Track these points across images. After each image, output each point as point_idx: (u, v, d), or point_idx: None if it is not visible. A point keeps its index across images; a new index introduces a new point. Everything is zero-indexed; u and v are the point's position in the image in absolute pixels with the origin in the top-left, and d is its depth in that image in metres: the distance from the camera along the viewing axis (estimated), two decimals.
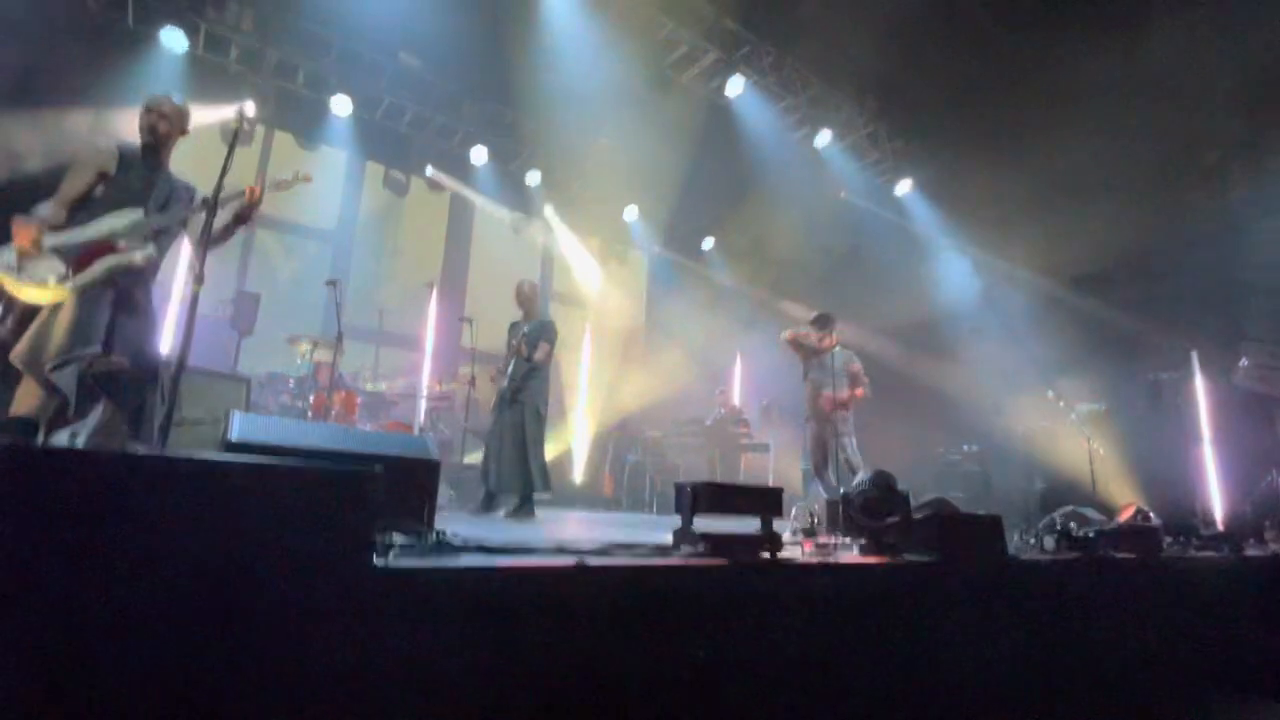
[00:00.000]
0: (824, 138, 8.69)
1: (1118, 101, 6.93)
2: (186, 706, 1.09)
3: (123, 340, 2.61)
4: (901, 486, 3.08)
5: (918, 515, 2.89)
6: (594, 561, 1.73)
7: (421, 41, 7.34)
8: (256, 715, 1.16)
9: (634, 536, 2.57)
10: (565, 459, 8.89)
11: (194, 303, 2.13)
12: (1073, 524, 3.78)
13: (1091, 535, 3.51)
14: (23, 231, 2.51)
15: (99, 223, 2.66)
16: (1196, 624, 3.45)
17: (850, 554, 2.65)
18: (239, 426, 1.81)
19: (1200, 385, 7.44)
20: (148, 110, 2.84)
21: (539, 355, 5.04)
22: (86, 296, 2.55)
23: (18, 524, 1.02)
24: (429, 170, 9.11)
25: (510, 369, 5.07)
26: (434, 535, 1.74)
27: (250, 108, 7.15)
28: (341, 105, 7.94)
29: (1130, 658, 3.06)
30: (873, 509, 2.87)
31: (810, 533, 3.02)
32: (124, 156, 2.79)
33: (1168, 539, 4.12)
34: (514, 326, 5.32)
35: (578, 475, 8.94)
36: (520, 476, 4.85)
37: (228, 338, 6.39)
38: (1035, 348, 7.80)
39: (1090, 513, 4.15)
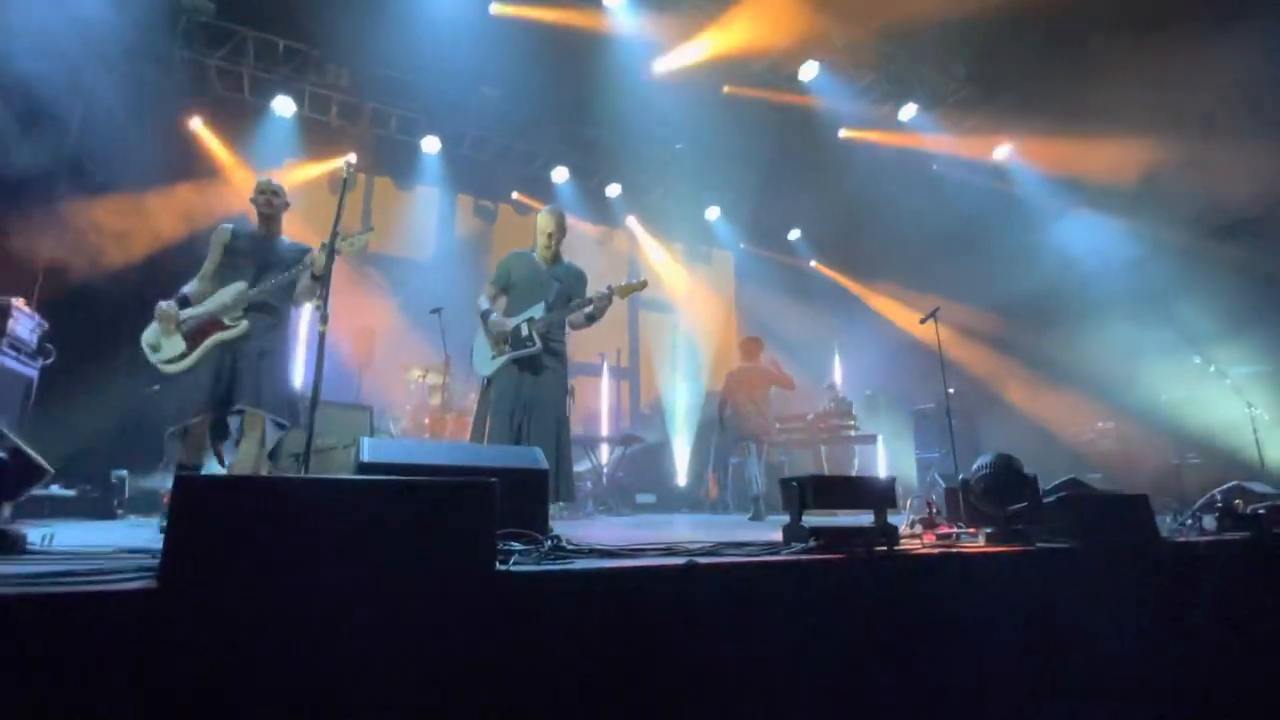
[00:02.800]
0: (909, 111, 8.30)
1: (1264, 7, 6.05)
2: (329, 698, 1.21)
3: (244, 390, 3.10)
4: (1027, 469, 2.88)
5: (1049, 499, 2.69)
6: (704, 561, 1.74)
7: (498, 74, 7.69)
8: (393, 707, 1.27)
9: (743, 535, 2.56)
10: (668, 463, 8.94)
11: (322, 342, 2.35)
12: (1237, 500, 3.39)
13: (1262, 512, 3.13)
14: (164, 317, 3.14)
15: (212, 300, 3.22)
16: None
17: (976, 544, 2.50)
18: (369, 450, 1.97)
19: None
20: (261, 191, 3.42)
21: (590, 315, 3.65)
22: (200, 366, 3.11)
23: (206, 538, 1.17)
24: (514, 195, 9.52)
25: (548, 322, 3.59)
26: (549, 540, 1.81)
27: (352, 158, 7.78)
28: (431, 145, 8.52)
29: None
30: (996, 494, 2.70)
31: (929, 523, 2.88)
32: (236, 234, 3.36)
33: None
34: (521, 258, 3.86)
35: (681, 479, 8.96)
36: (567, 479, 3.51)
37: (349, 369, 6.95)
38: (1173, 309, 7.02)
39: (1259, 487, 3.70)
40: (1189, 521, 3.29)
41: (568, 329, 3.74)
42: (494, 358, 3.57)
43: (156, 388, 3.22)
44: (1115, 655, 2.22)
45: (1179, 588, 2.50)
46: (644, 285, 3.79)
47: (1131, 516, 2.66)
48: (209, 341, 3.14)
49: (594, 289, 3.74)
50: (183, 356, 3.11)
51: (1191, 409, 6.37)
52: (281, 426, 3.17)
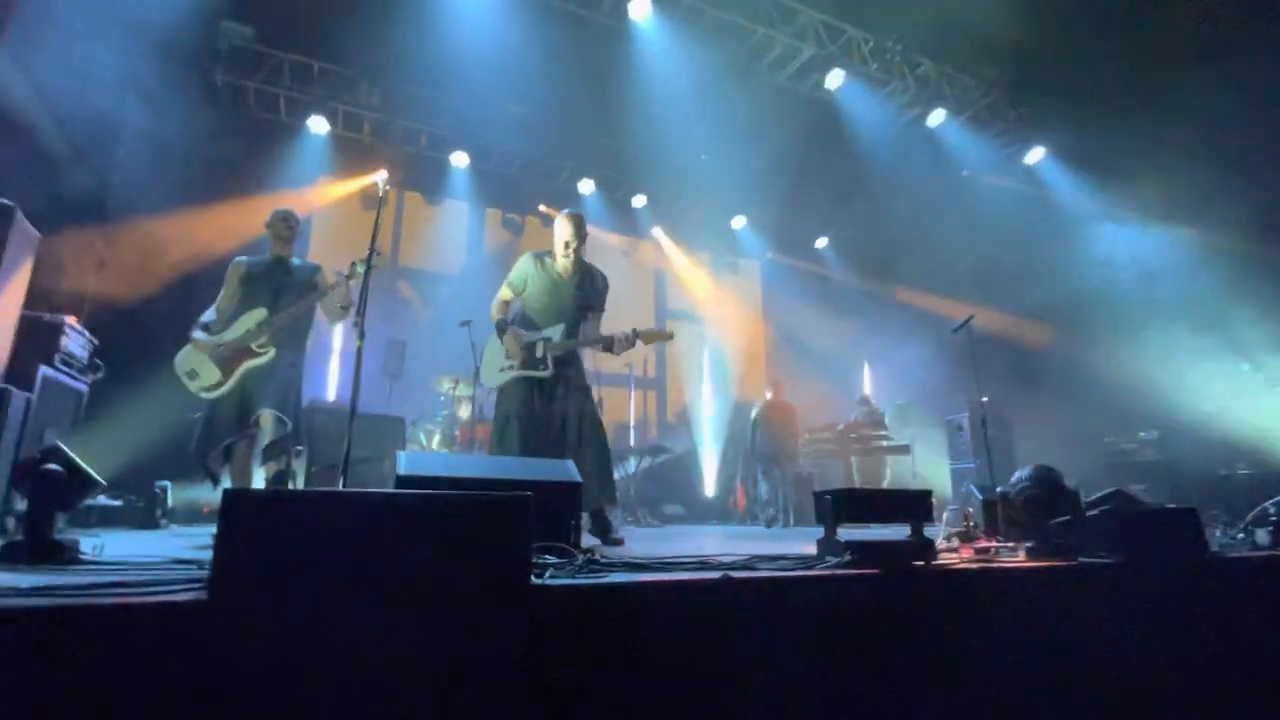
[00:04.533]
0: (937, 116, 8.20)
1: None
2: (371, 708, 1.22)
3: (259, 401, 3.33)
4: (1069, 482, 2.81)
5: (1092, 512, 2.61)
6: (739, 575, 1.73)
7: (525, 89, 7.80)
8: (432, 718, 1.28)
9: (775, 549, 2.53)
10: (695, 474, 8.91)
11: (359, 357, 2.40)
12: None
13: None
14: (201, 347, 3.39)
15: (237, 325, 3.43)
16: None
17: (1015, 558, 2.44)
18: (405, 463, 2.01)
19: None
20: (284, 219, 3.68)
21: (607, 348, 3.52)
22: (233, 394, 3.36)
23: (253, 551, 1.20)
24: (541, 208, 9.64)
25: (565, 348, 3.48)
26: (583, 554, 1.82)
27: (383, 175, 7.96)
28: (460, 160, 8.68)
29: None
30: (1037, 508, 2.63)
31: (967, 537, 2.83)
32: (250, 266, 3.61)
33: None
34: (541, 265, 3.65)
35: (709, 490, 8.92)
36: (608, 487, 3.40)
37: (380, 381, 7.07)
38: (1220, 315, 6.79)
39: None
40: (1240, 535, 3.17)
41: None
42: (501, 370, 3.46)
43: (200, 415, 3.40)
44: (1163, 676, 2.14)
45: (1231, 606, 2.40)
46: (670, 336, 3.68)
47: (1180, 530, 2.57)
48: (241, 369, 3.37)
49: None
50: (219, 384, 3.35)
51: (1240, 417, 6.14)
52: (283, 424, 3.32)
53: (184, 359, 3.41)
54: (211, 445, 3.33)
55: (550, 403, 3.39)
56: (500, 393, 3.50)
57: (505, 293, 3.66)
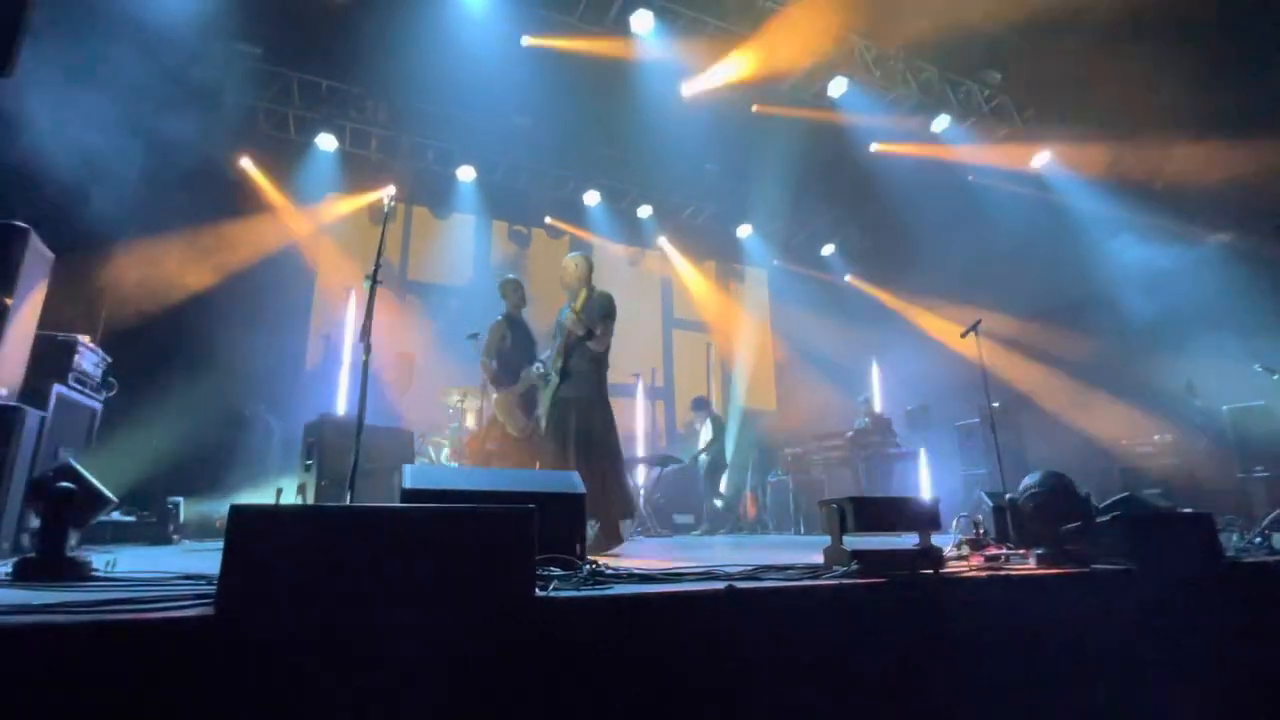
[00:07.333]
0: (942, 122, 8.20)
1: None
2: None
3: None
4: (1081, 488, 2.78)
5: (1104, 518, 2.58)
6: (744, 586, 1.72)
7: (530, 103, 7.88)
8: None
9: (783, 558, 2.52)
10: (705, 483, 8.87)
11: (365, 369, 2.42)
12: None
13: None
14: (506, 398, 4.46)
15: (521, 382, 4.42)
16: None
17: (1026, 566, 2.42)
18: (411, 476, 2.02)
19: None
20: (522, 291, 4.85)
21: (599, 334, 3.97)
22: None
23: (260, 567, 1.22)
24: (547, 219, 9.69)
25: (560, 361, 4.02)
26: (587, 566, 1.82)
27: (391, 190, 8.05)
28: (466, 174, 8.77)
29: None
30: (1047, 514, 2.60)
31: (977, 544, 2.80)
32: (511, 322, 4.66)
33: None
34: (561, 311, 4.36)
35: (719, 499, 8.87)
36: (613, 497, 3.76)
37: (389, 394, 7.12)
38: (1231, 315, 6.71)
39: None
40: (1257, 540, 3.13)
41: (590, 354, 4.06)
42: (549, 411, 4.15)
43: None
44: (1176, 685, 2.11)
45: (1247, 612, 2.36)
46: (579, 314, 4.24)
47: (1194, 536, 2.53)
48: (532, 418, 4.35)
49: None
50: (524, 429, 4.29)
51: (1255, 419, 6.05)
52: None
53: (500, 408, 4.34)
54: None
55: (551, 418, 4.02)
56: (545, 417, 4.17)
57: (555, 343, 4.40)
